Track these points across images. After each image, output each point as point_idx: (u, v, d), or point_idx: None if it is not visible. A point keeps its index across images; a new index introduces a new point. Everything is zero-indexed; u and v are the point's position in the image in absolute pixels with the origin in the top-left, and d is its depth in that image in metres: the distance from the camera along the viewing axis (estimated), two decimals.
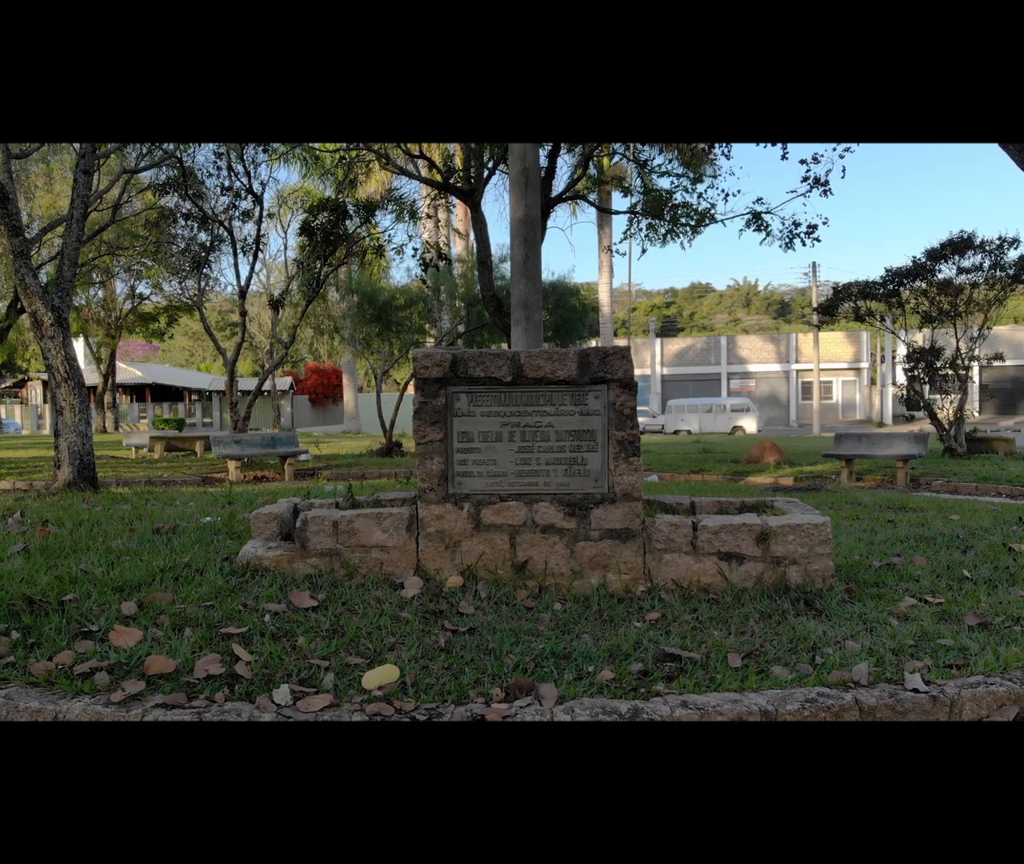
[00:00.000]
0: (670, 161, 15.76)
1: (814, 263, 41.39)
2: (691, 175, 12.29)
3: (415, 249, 14.88)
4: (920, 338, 20.36)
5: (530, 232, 7.92)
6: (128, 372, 47.20)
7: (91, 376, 45.10)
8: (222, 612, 3.17)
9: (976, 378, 50.37)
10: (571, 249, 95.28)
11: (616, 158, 20.08)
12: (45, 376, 44.90)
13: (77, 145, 8.81)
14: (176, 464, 17.08)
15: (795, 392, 54.49)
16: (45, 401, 48.09)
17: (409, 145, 12.56)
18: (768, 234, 13.08)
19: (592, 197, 16.02)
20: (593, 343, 39.97)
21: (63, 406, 7.74)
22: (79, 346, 39.58)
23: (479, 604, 3.42)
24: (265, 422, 44.11)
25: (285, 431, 23.72)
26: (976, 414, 47.61)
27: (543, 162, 11.90)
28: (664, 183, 21.22)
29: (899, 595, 3.80)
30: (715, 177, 13.70)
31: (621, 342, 40.87)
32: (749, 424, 39.97)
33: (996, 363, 54.61)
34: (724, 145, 13.46)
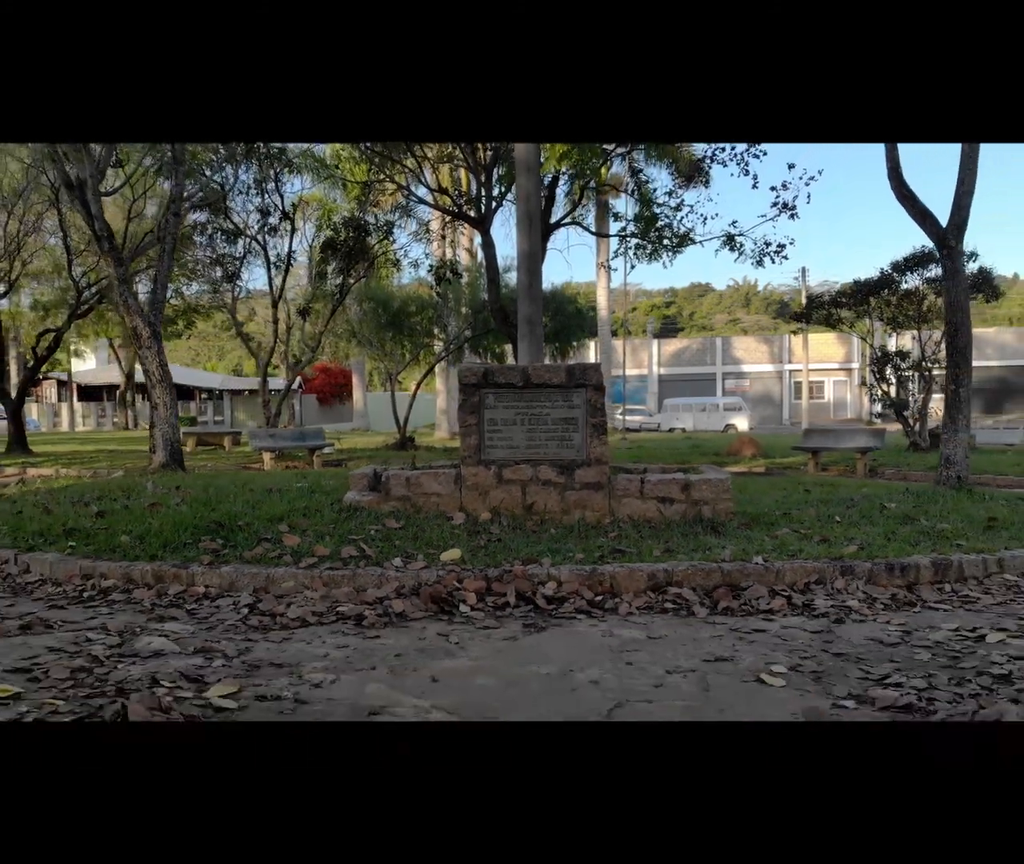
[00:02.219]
0: (669, 170, 17.62)
1: (803, 268, 43.22)
2: (671, 204, 14.18)
3: (431, 266, 16.80)
4: (908, 341, 22.14)
5: (532, 263, 9.85)
6: (138, 372, 48.84)
7: (113, 375, 47.01)
8: (343, 530, 5.11)
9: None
10: (568, 266, 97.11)
11: (614, 168, 21.99)
12: (60, 376, 46.72)
13: (166, 185, 10.67)
14: (214, 456, 19.00)
15: (788, 391, 55.84)
16: (60, 400, 49.97)
17: (428, 178, 14.48)
18: (741, 253, 14.98)
19: (588, 220, 17.90)
20: (591, 344, 41.88)
21: (157, 403, 9.70)
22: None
23: (502, 528, 5.36)
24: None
25: (299, 428, 25.55)
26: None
27: (544, 171, 13.78)
28: (658, 192, 23.16)
29: (781, 527, 5.72)
30: (707, 186, 15.49)
31: (618, 343, 42.64)
32: (741, 422, 41.41)
33: (980, 363, 56.08)
34: (708, 166, 15.34)
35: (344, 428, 44.01)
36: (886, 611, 4.13)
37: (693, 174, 16.52)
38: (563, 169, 13.49)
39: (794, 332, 22.51)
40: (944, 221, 8.08)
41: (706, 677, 3.06)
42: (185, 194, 19.24)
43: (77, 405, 48.50)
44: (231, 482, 7.63)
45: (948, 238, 7.77)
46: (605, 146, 15.19)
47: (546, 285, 23.89)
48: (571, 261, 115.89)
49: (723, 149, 14.49)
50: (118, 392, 42.34)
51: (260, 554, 4.64)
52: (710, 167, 15.09)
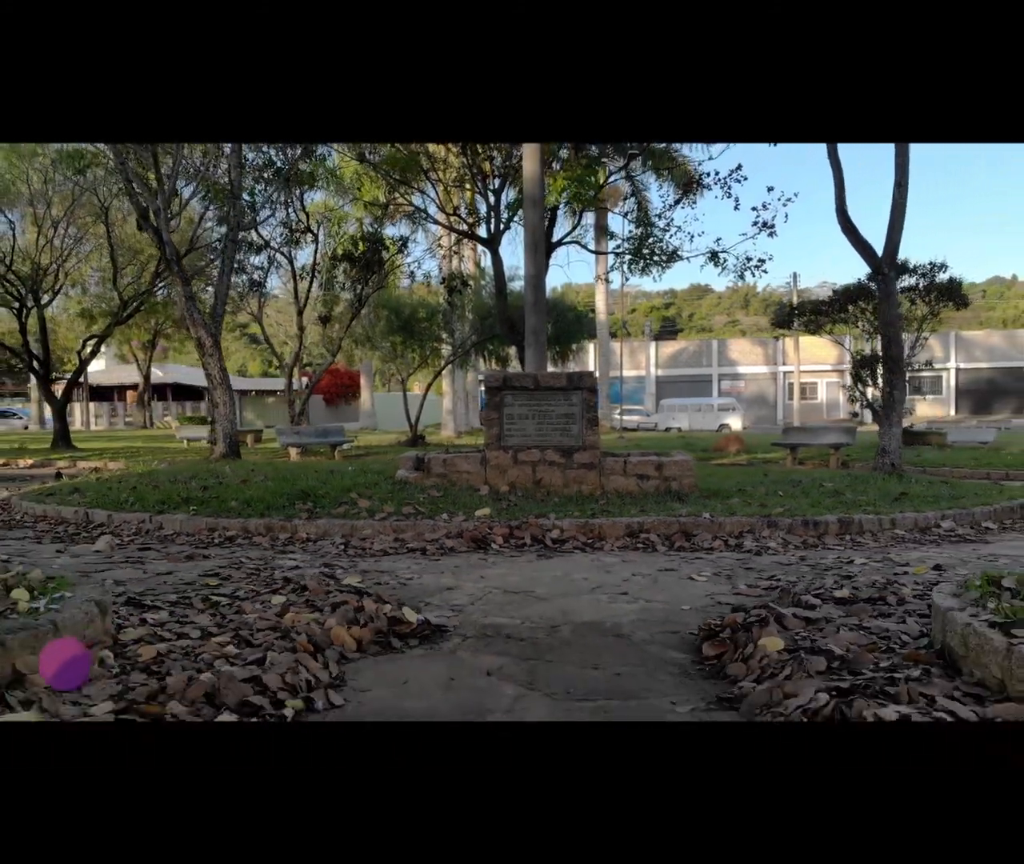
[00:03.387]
0: (667, 181, 19.24)
1: (794, 273, 44.91)
2: (660, 225, 15.88)
3: (443, 279, 18.50)
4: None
5: (538, 283, 11.54)
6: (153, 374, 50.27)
7: (122, 376, 48.61)
8: (399, 497, 6.80)
9: (952, 382, 53.53)
10: (569, 269, 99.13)
11: (613, 179, 23.69)
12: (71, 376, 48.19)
13: (224, 228, 12.37)
14: (243, 450, 20.66)
15: (782, 392, 57.15)
16: (71, 399, 51.32)
17: (442, 200, 16.18)
18: (724, 268, 16.67)
19: (587, 238, 19.59)
20: (590, 346, 43.62)
21: (218, 402, 11.39)
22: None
23: (518, 497, 7.05)
24: (282, 419, 47.51)
25: (322, 426, 27.15)
26: (953, 413, 50.86)
27: (547, 203, 15.44)
28: (655, 202, 24.92)
29: (733, 498, 7.40)
30: (693, 207, 17.04)
31: (616, 345, 44.38)
32: (735, 422, 42.67)
33: (971, 364, 56.91)
34: (695, 188, 17.04)
35: (352, 427, 45.67)
36: (795, 550, 5.81)
37: (688, 186, 18.18)
38: (562, 201, 15.22)
39: (776, 337, 24.03)
40: (883, 252, 9.76)
41: (657, 578, 4.75)
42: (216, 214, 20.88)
43: (88, 405, 49.83)
44: (291, 467, 9.32)
45: (882, 266, 9.45)
46: (605, 160, 16.90)
47: (548, 290, 25.68)
48: (572, 264, 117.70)
49: (708, 174, 16.21)
50: (135, 392, 44.07)
51: (343, 512, 6.34)
52: (697, 190, 16.80)
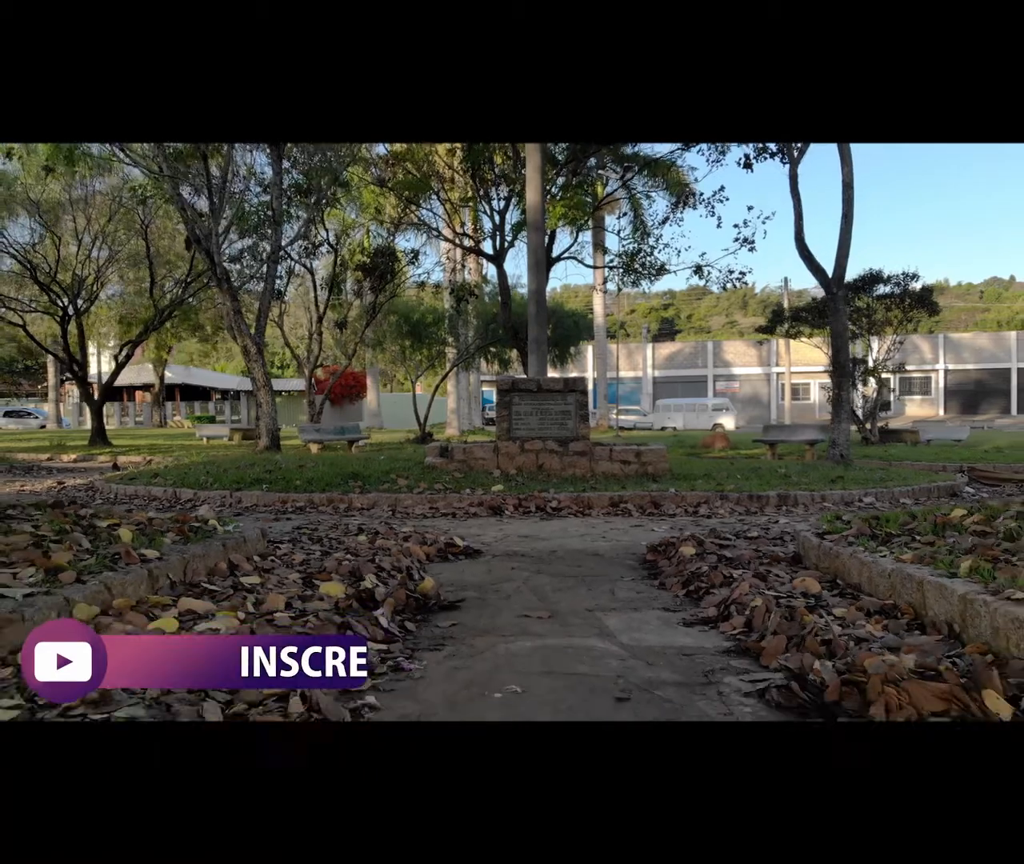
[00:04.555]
0: (662, 191, 20.94)
1: (786, 278, 46.60)
2: (650, 243, 17.65)
3: (452, 289, 20.27)
4: (886, 345, 25.12)
5: (539, 297, 13.28)
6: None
7: (132, 377, 50.03)
8: (429, 477, 8.54)
9: (941, 382, 55.04)
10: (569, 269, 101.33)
11: (610, 188, 25.46)
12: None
13: (265, 249, 14.15)
14: (245, 449, 22.40)
15: (775, 393, 58.56)
16: (82, 399, 52.71)
17: (450, 217, 17.96)
18: (707, 280, 18.42)
19: (584, 252, 21.32)
20: (588, 348, 45.36)
21: (262, 402, 13.15)
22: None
23: (524, 478, 8.79)
24: (289, 418, 49.10)
25: (340, 424, 28.84)
26: (941, 413, 52.43)
27: (548, 227, 17.18)
28: (649, 204, 26.79)
29: (698, 479, 9.12)
30: (680, 226, 18.75)
31: (612, 346, 46.11)
32: (728, 422, 43.99)
33: (959, 366, 57.94)
34: (681, 212, 18.78)
35: (359, 426, 47.36)
36: (739, 515, 7.54)
37: (677, 202, 19.88)
38: (559, 225, 17.02)
39: (760, 342, 25.65)
40: (832, 275, 11.47)
41: (628, 530, 6.48)
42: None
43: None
44: (333, 457, 11.05)
45: (832, 287, 11.19)
46: (603, 172, 18.64)
47: (548, 291, 27.50)
48: (571, 274, 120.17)
49: (692, 194, 18.01)
50: (144, 393, 45.75)
51: (386, 487, 8.08)
52: (684, 208, 18.56)
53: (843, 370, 11.59)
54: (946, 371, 56.19)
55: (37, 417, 49.22)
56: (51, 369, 45.23)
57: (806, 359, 55.74)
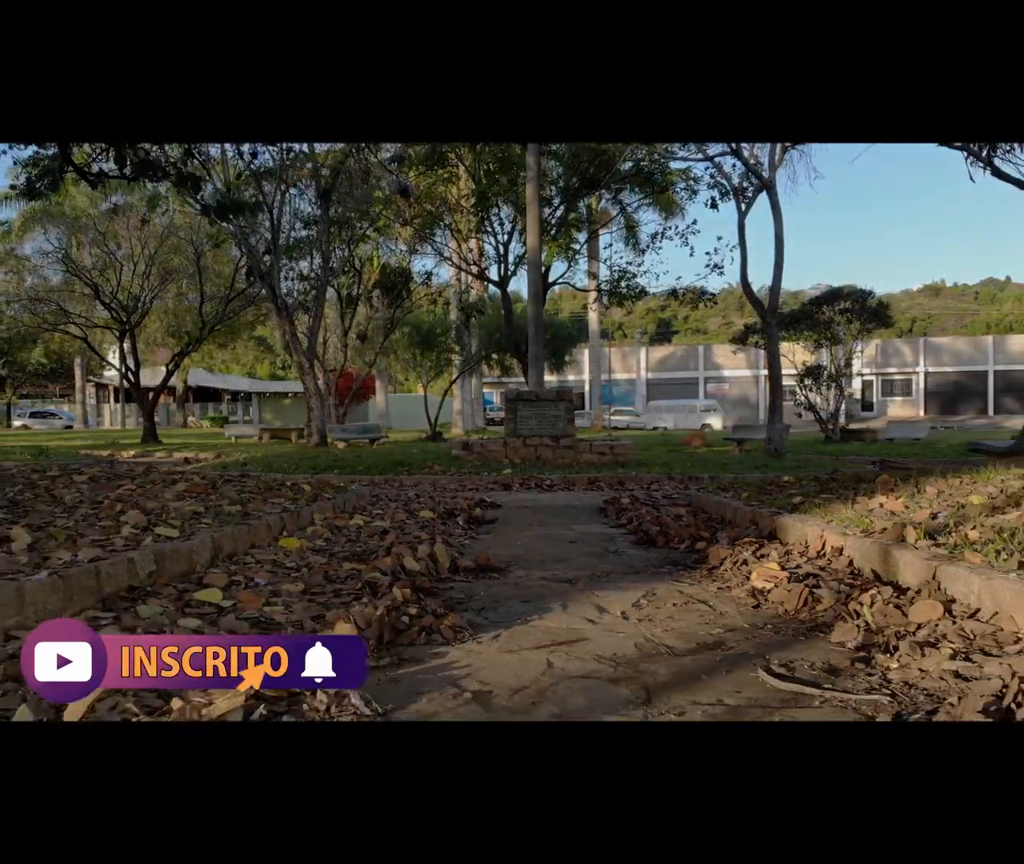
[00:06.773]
0: (652, 207, 23.89)
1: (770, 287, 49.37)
2: (632, 271, 20.76)
3: (462, 307, 23.42)
4: (872, 351, 27.82)
5: (538, 320, 16.33)
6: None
7: (147, 380, 52.48)
8: (456, 465, 11.63)
9: (922, 384, 57.59)
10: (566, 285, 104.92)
11: (603, 203, 28.60)
12: (99, 379, 51.20)
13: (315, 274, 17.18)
14: (287, 446, 25.41)
15: (763, 394, 60.94)
16: (99, 402, 55.00)
17: (461, 247, 21.12)
18: (680, 301, 21.50)
19: (577, 276, 24.47)
20: (585, 351, 48.28)
21: (313, 406, 16.20)
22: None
23: (526, 466, 11.87)
24: (298, 418, 51.63)
25: (363, 423, 31.86)
26: (922, 414, 55.03)
27: (545, 263, 20.28)
28: (642, 222, 29.97)
29: (656, 465, 12.18)
30: (660, 244, 22.07)
31: (606, 349, 49.01)
32: (716, 422, 46.09)
33: (939, 368, 60.51)
34: (659, 242, 21.86)
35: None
36: (677, 489, 10.56)
37: (670, 211, 22.88)
38: (554, 261, 20.24)
39: (734, 352, 27.91)
40: (767, 306, 14.51)
41: (596, 499, 9.52)
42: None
43: (115, 406, 52.81)
44: (375, 450, 14.14)
45: (767, 316, 14.26)
46: (599, 191, 21.74)
47: (548, 296, 30.75)
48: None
49: (669, 227, 21.19)
50: (174, 396, 48.64)
51: (426, 471, 11.13)
52: (660, 243, 21.63)
53: (776, 384, 14.64)
54: (926, 373, 58.16)
55: (60, 418, 51.04)
56: (78, 373, 47.71)
57: (793, 363, 58.41)
